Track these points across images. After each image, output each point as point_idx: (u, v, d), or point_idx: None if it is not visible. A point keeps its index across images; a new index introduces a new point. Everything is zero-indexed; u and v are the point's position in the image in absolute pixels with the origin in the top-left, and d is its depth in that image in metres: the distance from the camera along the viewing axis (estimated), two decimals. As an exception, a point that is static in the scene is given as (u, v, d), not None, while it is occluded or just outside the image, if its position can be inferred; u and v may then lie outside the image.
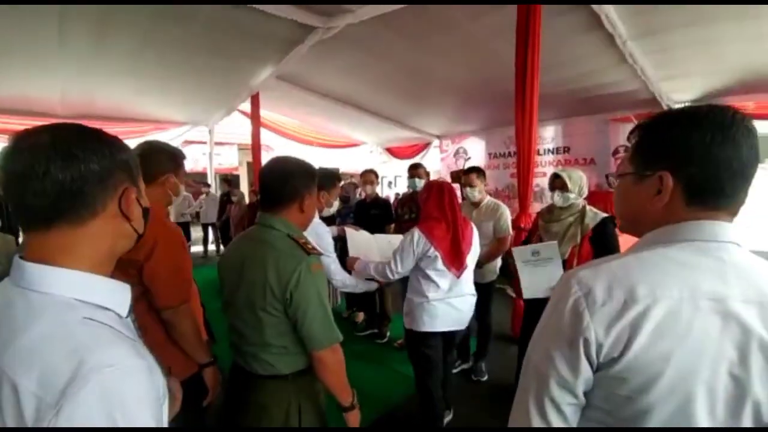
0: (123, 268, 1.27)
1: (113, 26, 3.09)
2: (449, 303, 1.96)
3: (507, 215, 2.72)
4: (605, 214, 2.00)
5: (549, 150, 5.17)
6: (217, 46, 3.65)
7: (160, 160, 1.41)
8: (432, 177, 7.02)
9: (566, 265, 1.96)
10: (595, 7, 2.68)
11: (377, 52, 3.77)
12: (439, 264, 1.92)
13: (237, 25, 3.29)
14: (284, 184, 1.21)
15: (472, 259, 2.03)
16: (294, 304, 1.10)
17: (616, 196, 0.72)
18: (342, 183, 2.77)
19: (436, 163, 6.92)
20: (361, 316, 3.83)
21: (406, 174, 3.33)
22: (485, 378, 2.77)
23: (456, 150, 6.52)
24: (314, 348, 1.13)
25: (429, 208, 1.99)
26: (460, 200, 2.84)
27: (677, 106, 3.68)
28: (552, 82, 3.72)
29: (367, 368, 2.97)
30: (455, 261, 1.93)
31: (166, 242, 1.30)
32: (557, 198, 2.06)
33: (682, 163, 0.59)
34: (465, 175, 2.79)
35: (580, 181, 2.06)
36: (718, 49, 3.04)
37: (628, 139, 0.69)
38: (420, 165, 3.27)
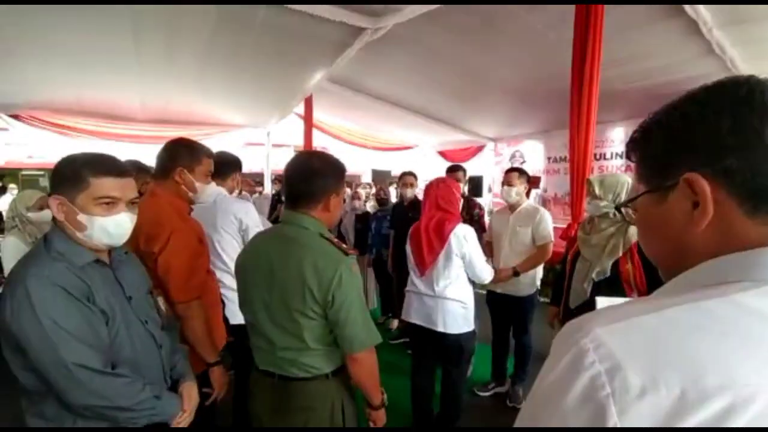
0: (142, 260, 1.31)
1: (180, 38, 3.33)
2: (421, 298, 2.11)
3: (547, 219, 2.47)
4: None
5: (617, 154, 4.63)
6: (272, 51, 3.78)
7: (181, 155, 1.47)
8: (485, 182, 6.76)
9: (621, 285, 1.70)
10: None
11: (427, 51, 3.65)
12: (411, 260, 2.14)
13: (290, 30, 3.37)
14: (309, 182, 1.15)
15: (446, 264, 2.02)
16: (336, 306, 1.08)
17: (640, 233, 0.53)
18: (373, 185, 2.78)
19: (491, 167, 6.59)
20: (395, 323, 3.74)
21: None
22: (522, 405, 2.50)
23: (512, 154, 6.15)
24: (354, 350, 1.10)
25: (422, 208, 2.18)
26: (494, 204, 2.65)
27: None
28: (621, 78, 3.33)
29: (396, 379, 2.85)
30: (418, 260, 2.08)
31: (180, 236, 1.33)
32: (586, 205, 1.87)
33: (718, 154, 0.39)
34: (506, 174, 2.60)
35: (616, 186, 1.75)
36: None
37: (628, 155, 0.51)
38: (458, 168, 3.11)
